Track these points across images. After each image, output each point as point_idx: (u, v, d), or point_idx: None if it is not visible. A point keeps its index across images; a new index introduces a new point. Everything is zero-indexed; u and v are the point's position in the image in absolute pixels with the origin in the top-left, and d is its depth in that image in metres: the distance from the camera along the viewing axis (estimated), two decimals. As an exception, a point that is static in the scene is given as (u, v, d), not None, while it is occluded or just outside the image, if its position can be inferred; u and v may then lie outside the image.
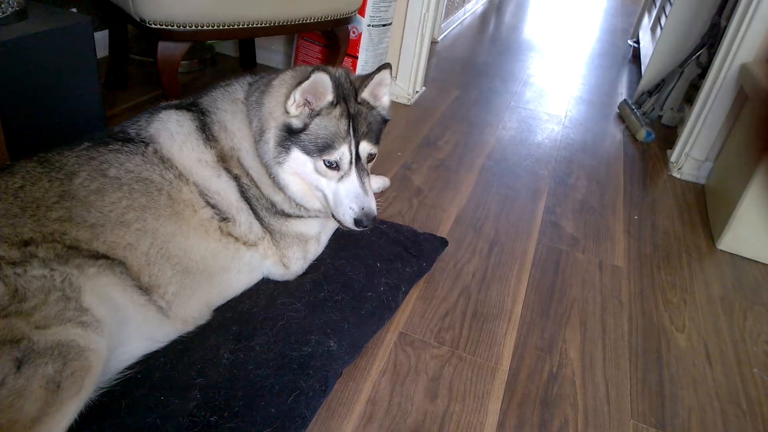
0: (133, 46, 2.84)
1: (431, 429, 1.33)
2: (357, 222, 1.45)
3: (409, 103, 3.18)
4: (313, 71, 1.35)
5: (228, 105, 1.49)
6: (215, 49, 3.39)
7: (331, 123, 1.41)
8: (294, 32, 2.92)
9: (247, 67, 3.31)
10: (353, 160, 1.44)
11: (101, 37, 2.75)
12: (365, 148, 1.47)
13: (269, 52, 3.36)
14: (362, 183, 1.46)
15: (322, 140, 1.41)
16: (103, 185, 1.27)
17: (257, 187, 1.49)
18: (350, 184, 1.44)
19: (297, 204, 1.53)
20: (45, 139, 1.90)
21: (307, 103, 1.40)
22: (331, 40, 2.78)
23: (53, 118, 1.94)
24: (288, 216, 1.54)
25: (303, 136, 1.41)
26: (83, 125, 2.04)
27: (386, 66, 1.47)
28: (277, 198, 1.51)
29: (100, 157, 1.31)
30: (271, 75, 1.54)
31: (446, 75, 3.78)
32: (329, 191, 1.46)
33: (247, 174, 1.47)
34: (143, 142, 1.38)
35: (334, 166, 1.43)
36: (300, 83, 1.37)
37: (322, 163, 1.42)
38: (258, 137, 1.45)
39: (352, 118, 1.43)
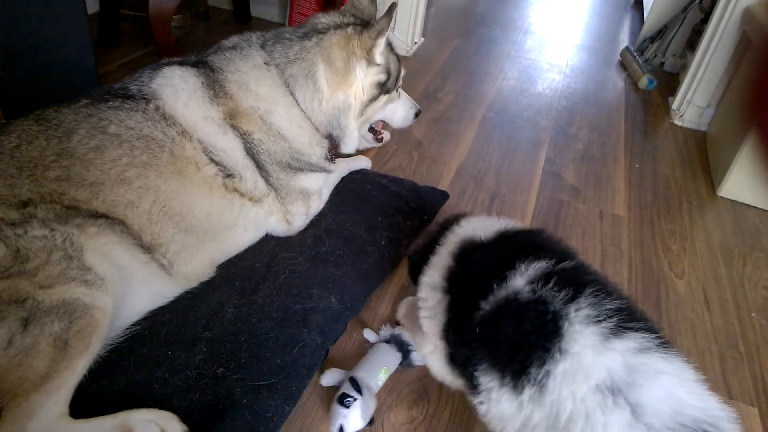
0: (124, 1, 2.78)
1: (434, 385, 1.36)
2: (416, 114, 1.82)
3: (407, 55, 3.12)
4: (391, 9, 1.46)
5: (248, 69, 1.46)
6: (208, 2, 3.32)
7: (392, 56, 1.60)
8: (288, -17, 2.85)
9: (242, 21, 3.25)
10: None
11: (91, -7, 2.69)
12: None
13: (263, 5, 3.28)
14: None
15: (396, 73, 1.62)
16: (102, 143, 1.25)
17: (285, 143, 1.48)
18: (405, 96, 1.78)
19: (328, 156, 1.60)
20: (39, 98, 1.87)
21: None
22: (326, -9, 2.72)
23: (46, 76, 1.92)
24: (299, 170, 1.53)
25: (388, 83, 1.59)
26: (77, 83, 2.02)
27: None
28: (312, 151, 1.54)
29: (99, 114, 1.29)
30: (285, 38, 1.52)
31: (445, 25, 3.71)
32: (389, 111, 1.73)
33: (276, 133, 1.46)
34: (144, 98, 1.35)
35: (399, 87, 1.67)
36: (380, 32, 1.47)
37: (395, 92, 1.67)
38: (326, 109, 1.51)
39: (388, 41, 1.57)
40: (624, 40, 3.89)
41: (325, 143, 1.58)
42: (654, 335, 0.85)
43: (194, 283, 1.40)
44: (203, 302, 1.36)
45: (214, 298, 1.38)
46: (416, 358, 1.35)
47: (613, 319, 0.85)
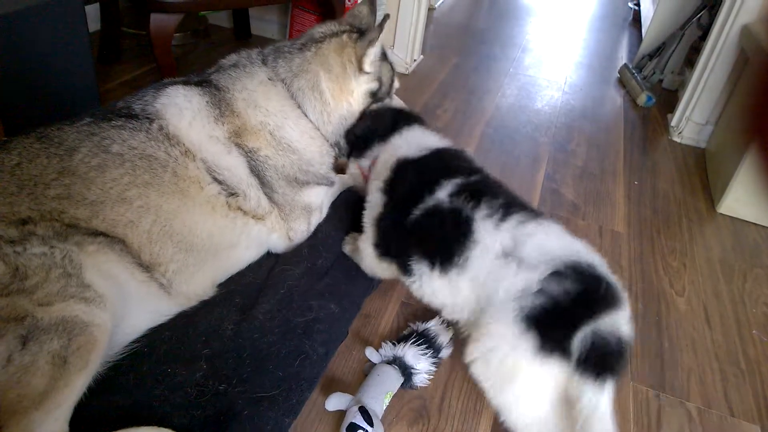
0: (125, 19, 2.80)
1: (433, 392, 1.36)
2: None
3: (407, 72, 3.14)
4: (382, 20, 1.51)
5: (255, 86, 1.48)
6: (208, 21, 3.35)
7: (386, 65, 1.63)
8: (288, 1, 2.88)
9: (242, 38, 3.27)
10: None
11: (92, 11, 2.72)
12: None
13: (264, 23, 3.31)
14: None
15: (389, 82, 1.66)
16: (104, 161, 1.25)
17: (295, 156, 1.50)
18: (397, 100, 1.79)
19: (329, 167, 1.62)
20: (39, 115, 1.88)
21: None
22: (326, 9, 2.74)
23: (47, 94, 1.92)
24: (305, 184, 1.55)
25: (380, 92, 1.62)
26: (78, 101, 2.03)
27: None
28: (322, 161, 1.58)
29: (102, 132, 1.29)
30: (284, 51, 1.54)
31: (444, 42, 3.74)
32: None
33: (286, 146, 1.49)
34: (148, 118, 1.35)
35: None
36: (371, 42, 1.51)
37: (389, 98, 1.70)
38: (334, 119, 1.56)
39: None
40: (622, 57, 3.92)
41: (332, 153, 1.61)
42: (529, 212, 1.22)
43: (194, 302, 1.39)
44: (203, 319, 1.36)
45: (213, 315, 1.37)
46: (418, 380, 1.35)
47: (500, 211, 1.19)
